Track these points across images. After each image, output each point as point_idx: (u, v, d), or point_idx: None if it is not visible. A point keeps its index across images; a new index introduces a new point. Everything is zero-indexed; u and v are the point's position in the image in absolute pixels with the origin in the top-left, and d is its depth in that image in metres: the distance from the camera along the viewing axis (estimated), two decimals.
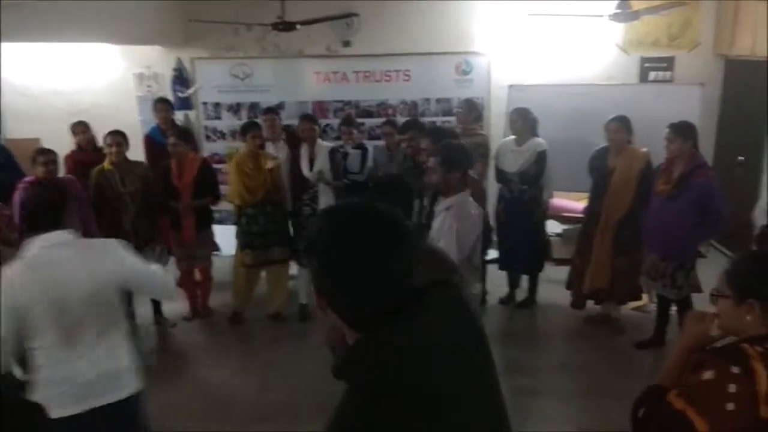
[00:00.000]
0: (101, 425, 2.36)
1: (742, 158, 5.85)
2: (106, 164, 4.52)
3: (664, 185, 4.04)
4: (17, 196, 3.99)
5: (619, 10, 5.08)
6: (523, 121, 4.84)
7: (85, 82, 6.53)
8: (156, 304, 4.98)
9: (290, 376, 4.18)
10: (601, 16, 5.20)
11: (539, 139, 4.87)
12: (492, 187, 5.39)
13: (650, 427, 1.61)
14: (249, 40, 6.37)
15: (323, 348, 2.21)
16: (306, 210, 4.97)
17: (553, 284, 5.27)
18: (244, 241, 4.87)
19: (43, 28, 5.08)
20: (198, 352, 4.73)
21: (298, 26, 4.96)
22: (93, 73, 6.54)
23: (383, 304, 1.05)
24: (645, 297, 4.84)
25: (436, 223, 3.10)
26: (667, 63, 6.23)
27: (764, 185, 4.12)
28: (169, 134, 4.94)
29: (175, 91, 6.53)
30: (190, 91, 6.52)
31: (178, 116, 6.20)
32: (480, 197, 4.74)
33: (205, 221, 4.97)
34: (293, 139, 5.41)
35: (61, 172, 4.39)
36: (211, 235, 5.07)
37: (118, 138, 4.49)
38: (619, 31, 6.07)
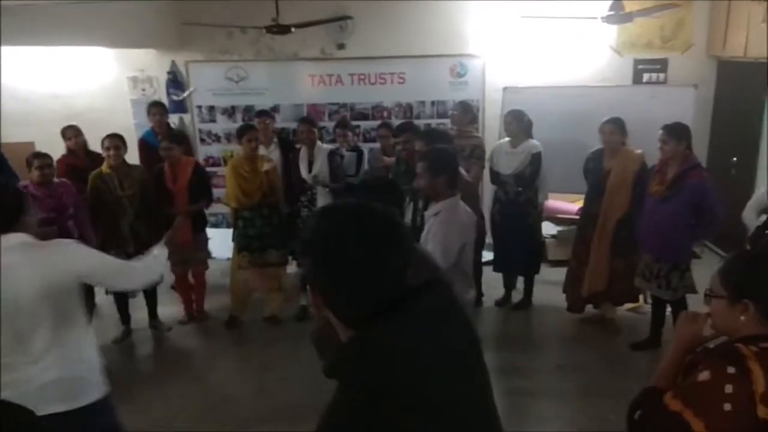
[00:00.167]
0: None
1: (736, 159, 5.88)
2: (104, 167, 4.51)
3: (658, 186, 4.05)
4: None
5: (611, 12, 5.09)
6: (518, 123, 4.86)
7: (79, 86, 6.51)
8: (152, 309, 4.97)
9: (287, 378, 4.18)
10: (595, 18, 5.21)
11: (534, 141, 4.88)
12: (487, 189, 5.40)
13: (647, 429, 1.61)
14: (243, 43, 6.36)
15: None
16: (304, 212, 4.98)
17: (548, 286, 5.29)
18: (241, 243, 4.86)
19: (38, 32, 5.07)
20: (194, 356, 4.72)
21: (293, 29, 4.96)
22: (87, 77, 6.52)
23: (382, 303, 1.06)
24: (640, 298, 4.86)
25: (425, 228, 3.09)
26: (661, 65, 6.27)
27: (761, 185, 4.14)
28: (161, 138, 4.94)
29: (169, 94, 6.52)
30: (185, 94, 6.52)
31: (173, 119, 6.20)
32: (474, 200, 4.77)
33: (200, 225, 4.96)
34: (285, 143, 5.41)
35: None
36: (205, 238, 5.07)
37: (117, 141, 4.49)
38: (612, 33, 6.10)
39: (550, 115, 5.62)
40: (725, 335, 1.63)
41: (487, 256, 5.27)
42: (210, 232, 5.24)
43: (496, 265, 5.24)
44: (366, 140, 6.29)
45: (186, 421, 3.76)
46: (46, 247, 2.31)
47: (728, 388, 1.44)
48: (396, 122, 5.59)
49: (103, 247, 3.93)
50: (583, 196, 4.86)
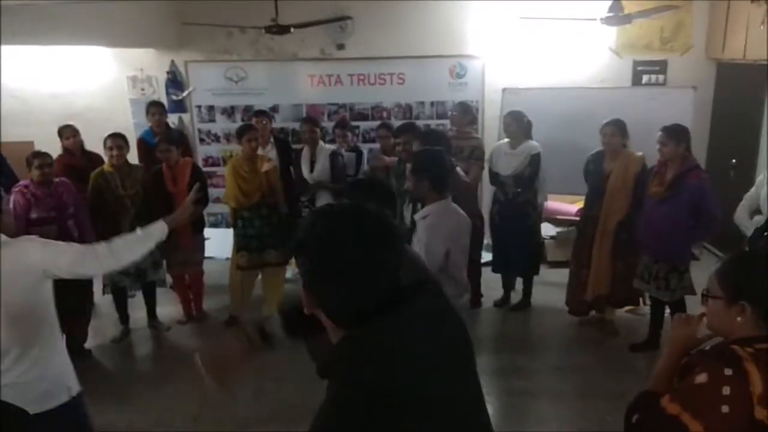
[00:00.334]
0: None
1: (735, 161, 5.88)
2: (106, 167, 4.52)
3: (657, 188, 4.06)
4: (11, 201, 3.98)
5: (611, 14, 5.08)
6: (517, 124, 4.86)
7: (78, 85, 6.52)
8: (150, 309, 4.97)
9: (286, 378, 4.17)
10: (594, 19, 5.21)
11: (533, 142, 4.88)
12: (486, 190, 5.40)
13: None
14: (243, 43, 6.37)
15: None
16: (305, 212, 4.98)
17: (547, 287, 5.29)
18: (240, 243, 4.86)
19: (37, 31, 5.06)
20: (193, 356, 4.70)
21: (292, 29, 4.96)
22: (86, 76, 6.52)
23: (377, 303, 1.06)
24: (639, 300, 4.85)
25: (416, 231, 3.06)
26: (660, 66, 6.27)
27: (760, 186, 4.14)
28: (159, 140, 4.93)
29: (168, 94, 6.52)
30: (184, 94, 6.52)
31: (172, 119, 6.20)
32: (473, 201, 4.78)
33: (198, 226, 4.96)
34: (282, 143, 5.42)
35: None
36: (202, 239, 5.07)
37: (119, 141, 4.49)
38: (611, 34, 6.10)
39: (549, 116, 5.62)
40: (721, 336, 1.64)
41: (487, 257, 5.27)
42: (209, 232, 5.24)
43: (495, 266, 5.25)
44: (365, 141, 6.30)
45: (184, 421, 3.75)
46: (8, 245, 2.24)
47: (726, 390, 1.44)
48: (395, 123, 5.59)
49: None
50: (582, 198, 4.87)
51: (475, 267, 4.92)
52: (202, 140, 6.62)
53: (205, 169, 5.94)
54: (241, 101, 6.50)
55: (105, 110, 6.39)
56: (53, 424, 2.34)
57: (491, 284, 5.29)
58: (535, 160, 4.82)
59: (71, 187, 4.33)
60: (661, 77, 6.29)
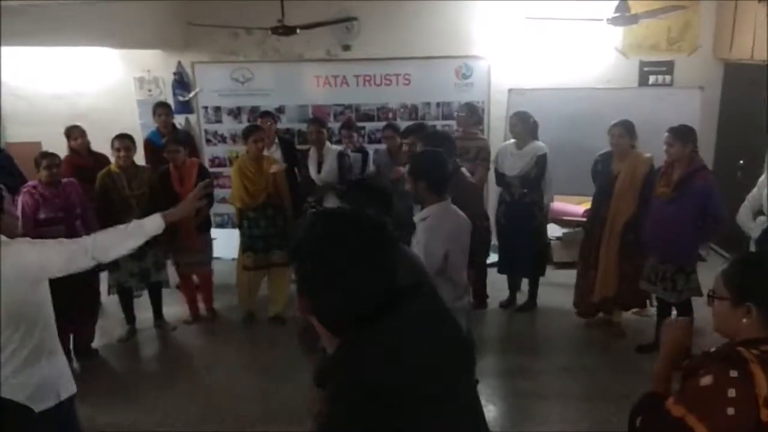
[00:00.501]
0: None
1: (742, 161, 5.85)
2: (113, 167, 4.54)
3: (664, 188, 4.04)
4: (19, 201, 4.00)
5: (617, 14, 5.06)
6: (523, 125, 4.85)
7: (85, 86, 6.55)
8: (157, 309, 4.99)
9: (290, 378, 4.18)
10: (600, 19, 5.19)
11: (539, 143, 4.87)
12: (492, 191, 5.39)
13: None
14: (249, 44, 6.38)
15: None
16: (312, 212, 4.98)
17: (553, 288, 5.28)
18: (246, 244, 4.88)
19: (43, 32, 5.10)
20: (198, 356, 4.73)
21: (298, 30, 4.97)
22: (93, 77, 6.55)
23: (371, 307, 1.07)
24: (646, 302, 4.83)
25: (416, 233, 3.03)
26: (667, 67, 6.24)
27: (762, 187, 4.12)
28: (166, 140, 4.95)
29: (175, 95, 6.55)
30: (191, 95, 6.55)
31: (179, 120, 6.22)
32: (478, 201, 4.77)
33: (204, 226, 4.98)
34: (287, 143, 5.43)
35: None
36: (209, 239, 5.08)
37: (127, 142, 4.52)
38: (618, 34, 6.09)
39: (555, 116, 5.61)
40: (726, 337, 1.63)
41: (493, 257, 5.26)
42: (215, 232, 5.26)
43: (501, 266, 5.23)
44: (371, 141, 6.30)
45: (188, 420, 3.77)
46: (6, 245, 2.25)
47: (731, 392, 1.44)
48: (401, 123, 5.59)
49: None
50: (588, 198, 4.85)
51: (480, 268, 4.93)
52: (208, 141, 6.64)
53: (211, 170, 5.97)
54: (248, 102, 6.52)
55: (112, 111, 6.42)
56: (47, 423, 2.35)
57: (497, 285, 5.28)
58: (541, 160, 4.81)
59: (78, 187, 4.35)
60: (668, 78, 6.26)
